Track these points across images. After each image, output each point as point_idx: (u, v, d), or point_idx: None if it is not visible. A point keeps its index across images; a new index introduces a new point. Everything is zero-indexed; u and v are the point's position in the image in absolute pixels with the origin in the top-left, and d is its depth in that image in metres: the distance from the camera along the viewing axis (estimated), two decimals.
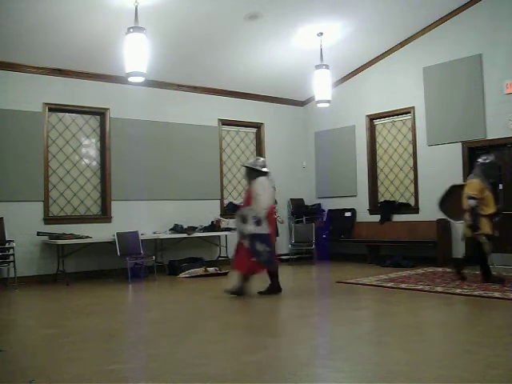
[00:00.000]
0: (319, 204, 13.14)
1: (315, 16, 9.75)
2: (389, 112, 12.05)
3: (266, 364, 4.31)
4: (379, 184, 12.48)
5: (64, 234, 9.59)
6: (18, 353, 4.94)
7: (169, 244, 10.90)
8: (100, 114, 10.69)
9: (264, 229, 7.56)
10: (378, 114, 12.30)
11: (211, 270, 10.33)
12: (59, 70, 10.09)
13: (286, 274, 10.96)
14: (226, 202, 12.35)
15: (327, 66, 10.59)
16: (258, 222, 7.54)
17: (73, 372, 4.19)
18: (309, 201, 13.34)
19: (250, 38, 10.26)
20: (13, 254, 9.04)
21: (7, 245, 9.08)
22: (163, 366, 4.30)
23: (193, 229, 10.97)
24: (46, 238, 9.61)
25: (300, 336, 5.30)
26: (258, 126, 12.99)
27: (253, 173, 7.85)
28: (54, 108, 10.19)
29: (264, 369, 4.15)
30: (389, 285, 8.36)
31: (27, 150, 9.70)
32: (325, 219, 12.93)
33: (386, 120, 12.26)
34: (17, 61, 9.61)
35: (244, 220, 7.63)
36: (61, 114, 10.36)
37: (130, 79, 8.45)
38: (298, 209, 13.04)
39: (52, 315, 6.94)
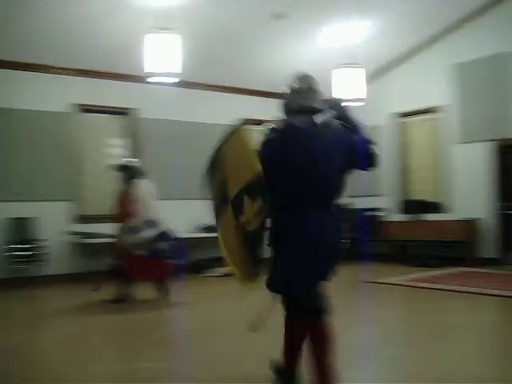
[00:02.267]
0: (349, 203, 13.03)
1: (341, 15, 9.66)
2: (419, 110, 11.93)
3: None
4: (409, 182, 12.39)
5: (96, 232, 9.70)
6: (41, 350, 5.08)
7: (194, 243, 10.96)
8: (127, 113, 10.83)
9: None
10: (408, 112, 12.19)
11: None
12: (86, 70, 10.23)
13: None
14: None
15: (355, 65, 10.49)
16: (135, 230, 7.14)
17: (96, 370, 4.26)
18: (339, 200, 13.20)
19: (276, 37, 10.24)
20: (45, 253, 9.23)
21: (40, 243, 9.31)
22: (188, 365, 4.34)
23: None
24: (78, 236, 9.76)
25: None
26: None
27: (132, 173, 7.34)
28: (85, 108, 10.36)
29: None
30: (419, 284, 8.29)
31: (59, 150, 9.88)
32: (354, 218, 12.82)
33: (417, 118, 12.16)
34: (45, 62, 9.79)
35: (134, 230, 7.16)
36: (91, 115, 10.53)
37: (157, 79, 8.50)
38: None
39: (80, 312, 7.06)
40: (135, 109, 10.74)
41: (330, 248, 3.39)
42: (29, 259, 9.26)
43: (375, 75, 12.53)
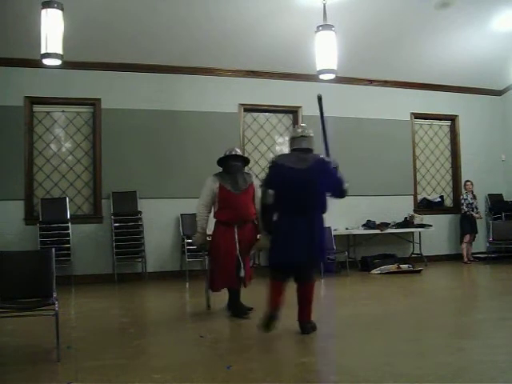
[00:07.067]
0: None
1: None
2: None
3: (461, 367, 4.15)
4: None
5: None
6: (216, 339, 5.35)
7: (361, 240, 10.94)
8: (293, 112, 11.03)
9: None
10: None
11: (404, 266, 10.13)
12: (252, 71, 10.54)
13: (483, 274, 10.50)
14: (419, 197, 12.11)
15: None
16: None
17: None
18: (508, 196, 12.57)
19: (441, 26, 9.77)
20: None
21: None
22: (353, 362, 4.37)
23: (385, 225, 10.89)
24: None
25: (498, 340, 4.98)
26: (452, 119, 12.51)
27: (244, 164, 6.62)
28: (249, 108, 10.73)
29: (459, 372, 4.01)
30: None
31: (224, 147, 10.29)
32: None
33: None
34: (214, 65, 10.23)
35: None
36: (255, 114, 10.87)
37: (321, 77, 8.52)
38: (497, 204, 12.38)
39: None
40: (300, 107, 10.87)
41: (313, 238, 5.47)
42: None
43: None
